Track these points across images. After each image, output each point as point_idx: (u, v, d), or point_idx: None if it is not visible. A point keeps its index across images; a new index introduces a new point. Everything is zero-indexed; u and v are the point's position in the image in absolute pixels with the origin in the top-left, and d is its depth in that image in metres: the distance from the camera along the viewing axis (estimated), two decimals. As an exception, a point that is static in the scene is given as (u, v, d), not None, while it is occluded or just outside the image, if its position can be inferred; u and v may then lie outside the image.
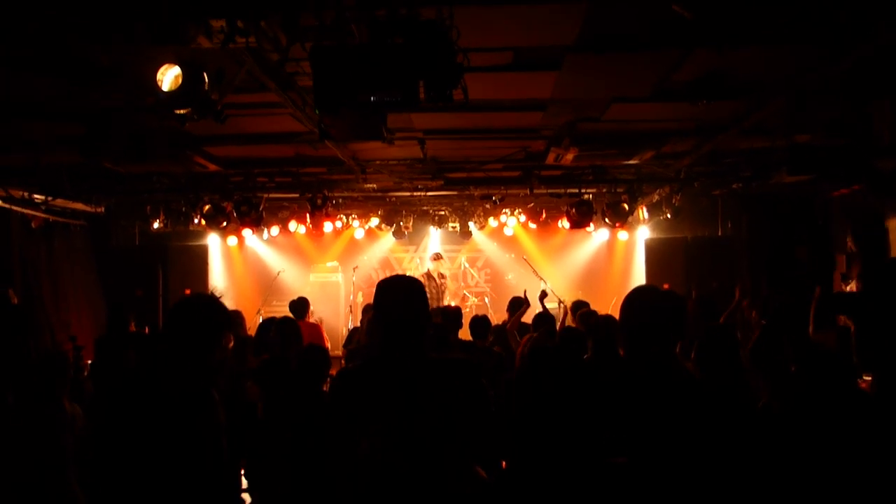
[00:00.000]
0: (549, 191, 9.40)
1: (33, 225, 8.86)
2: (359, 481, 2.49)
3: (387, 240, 13.82)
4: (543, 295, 7.67)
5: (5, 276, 8.18)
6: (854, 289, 7.70)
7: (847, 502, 2.95)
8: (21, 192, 8.16)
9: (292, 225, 11.84)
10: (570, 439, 2.94)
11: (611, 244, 13.06)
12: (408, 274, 9.96)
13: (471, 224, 12.79)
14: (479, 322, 6.55)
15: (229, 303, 3.41)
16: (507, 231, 12.83)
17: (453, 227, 12.92)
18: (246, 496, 4.74)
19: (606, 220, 9.34)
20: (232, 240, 12.52)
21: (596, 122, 6.31)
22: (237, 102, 5.21)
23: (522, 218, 12.13)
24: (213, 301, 2.91)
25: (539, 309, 7.14)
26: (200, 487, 2.71)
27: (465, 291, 13.63)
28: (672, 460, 2.44)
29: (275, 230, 12.49)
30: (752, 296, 7.31)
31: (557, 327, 6.56)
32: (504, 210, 11.77)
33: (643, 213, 10.26)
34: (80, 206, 9.31)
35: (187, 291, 10.37)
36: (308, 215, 9.44)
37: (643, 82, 5.20)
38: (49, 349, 7.99)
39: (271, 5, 3.57)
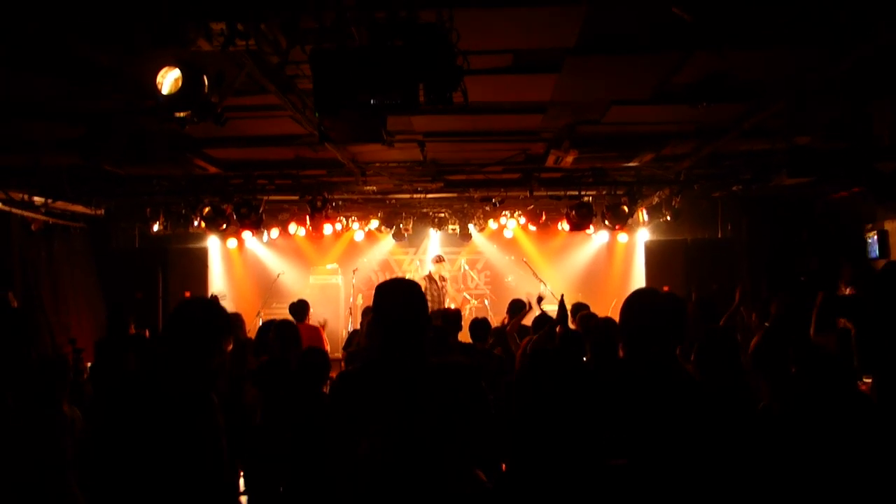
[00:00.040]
0: (549, 193, 9.39)
1: (33, 227, 8.87)
2: (358, 484, 2.49)
3: (386, 242, 13.79)
4: (541, 298, 7.67)
5: (5, 279, 8.17)
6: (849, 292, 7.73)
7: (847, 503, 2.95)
8: (21, 195, 8.16)
9: (292, 227, 11.82)
10: (570, 441, 2.93)
11: (611, 246, 13.05)
12: (407, 276, 9.95)
13: (471, 226, 12.77)
14: (479, 324, 6.55)
15: (229, 305, 3.41)
16: (507, 233, 12.82)
17: (453, 230, 12.90)
18: (244, 498, 4.73)
19: (606, 222, 9.33)
20: (232, 242, 12.52)
21: (596, 124, 6.31)
22: (237, 105, 5.22)
23: (522, 220, 12.15)
24: (213, 305, 2.93)
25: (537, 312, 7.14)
26: (199, 490, 2.71)
27: (464, 294, 13.61)
28: (672, 462, 2.43)
29: (275, 232, 12.47)
30: (751, 298, 7.30)
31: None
32: (504, 212, 11.77)
33: (643, 215, 10.26)
34: (79, 208, 9.32)
35: (187, 294, 10.39)
36: (308, 217, 9.43)
37: (643, 85, 5.20)
38: (49, 352, 7.99)
39: (271, 8, 3.57)
